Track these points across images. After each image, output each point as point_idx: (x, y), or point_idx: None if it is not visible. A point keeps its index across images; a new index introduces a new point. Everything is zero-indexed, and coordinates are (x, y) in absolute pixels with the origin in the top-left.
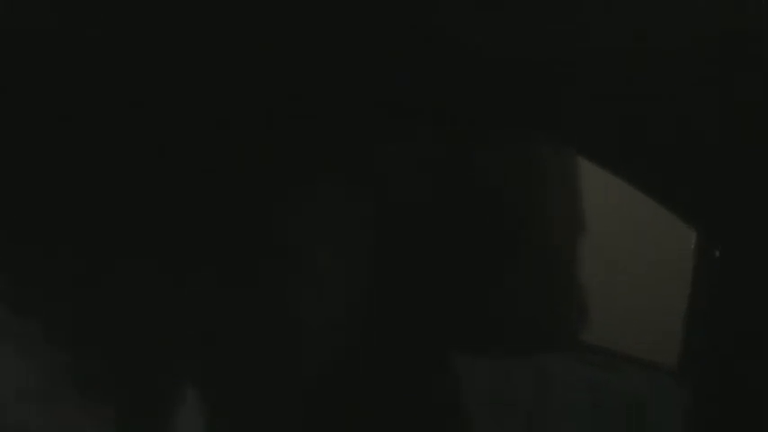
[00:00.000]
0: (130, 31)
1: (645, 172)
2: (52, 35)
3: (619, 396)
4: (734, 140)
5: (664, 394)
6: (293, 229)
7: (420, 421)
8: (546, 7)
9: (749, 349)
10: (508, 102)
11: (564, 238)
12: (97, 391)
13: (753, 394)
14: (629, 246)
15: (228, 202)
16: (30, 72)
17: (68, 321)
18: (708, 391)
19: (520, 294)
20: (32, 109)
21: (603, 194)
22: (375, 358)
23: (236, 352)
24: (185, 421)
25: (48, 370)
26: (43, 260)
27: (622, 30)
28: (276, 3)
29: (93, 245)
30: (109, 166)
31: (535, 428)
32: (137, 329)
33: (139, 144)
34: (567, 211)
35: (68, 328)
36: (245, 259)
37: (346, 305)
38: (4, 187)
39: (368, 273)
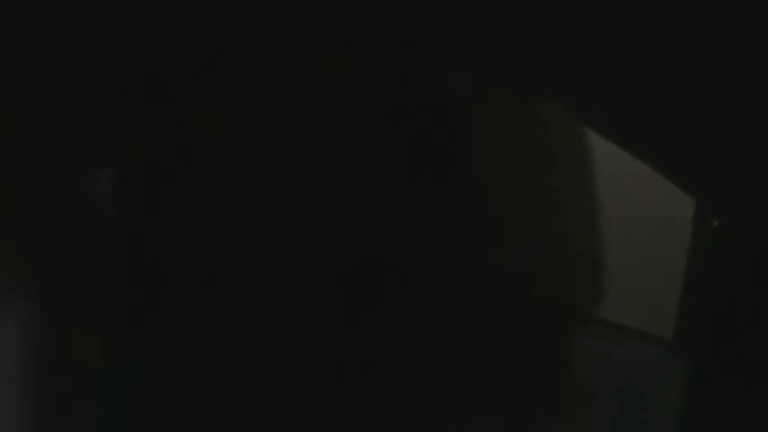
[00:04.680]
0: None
1: (643, 140)
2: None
3: (615, 367)
4: (734, 109)
5: (660, 366)
6: None
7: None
8: None
9: (746, 321)
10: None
11: (564, 210)
12: None
13: (749, 366)
14: (626, 216)
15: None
16: None
17: None
18: (704, 363)
19: (520, 267)
20: None
21: (600, 164)
22: None
23: None
24: None
25: None
26: None
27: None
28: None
29: None
30: None
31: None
32: None
33: None
34: (566, 181)
35: None
36: None
37: None
38: None
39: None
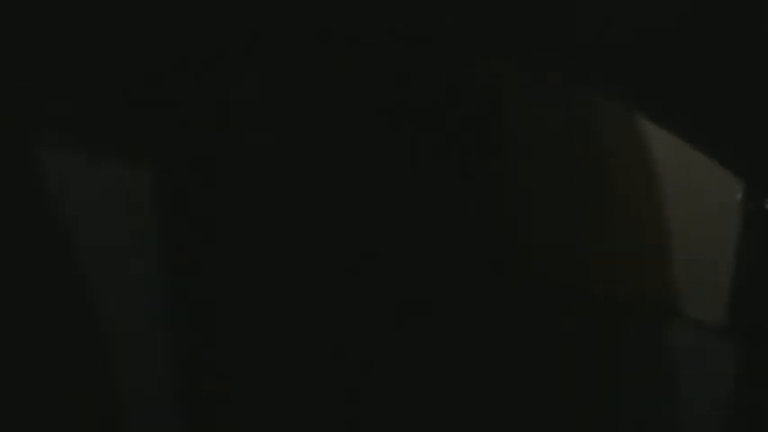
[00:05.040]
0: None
1: (691, 122)
2: None
3: (665, 351)
4: None
5: (711, 349)
6: None
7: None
8: None
9: None
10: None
11: (613, 192)
12: None
13: None
14: (675, 199)
15: None
16: None
17: None
18: (756, 346)
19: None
20: None
21: (649, 147)
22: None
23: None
24: None
25: None
26: None
27: None
28: None
29: None
30: None
31: None
32: None
33: None
34: (613, 163)
35: None
36: None
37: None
38: None
39: None
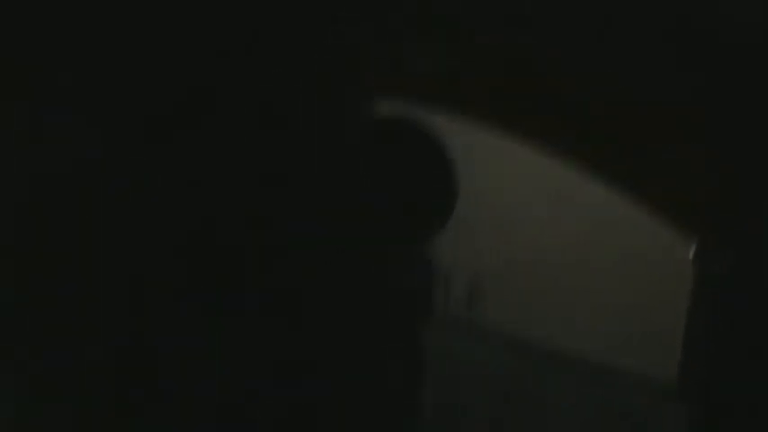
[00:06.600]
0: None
1: (640, 177)
2: None
3: (618, 413)
4: (734, 142)
5: (663, 411)
6: None
7: None
8: None
9: (750, 367)
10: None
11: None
12: None
13: (755, 411)
14: (625, 261)
15: None
16: None
17: None
18: (708, 408)
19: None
20: None
21: (598, 208)
22: None
23: None
24: None
25: None
26: None
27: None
28: None
29: None
30: None
31: None
32: None
33: None
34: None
35: None
36: None
37: None
38: None
39: None
